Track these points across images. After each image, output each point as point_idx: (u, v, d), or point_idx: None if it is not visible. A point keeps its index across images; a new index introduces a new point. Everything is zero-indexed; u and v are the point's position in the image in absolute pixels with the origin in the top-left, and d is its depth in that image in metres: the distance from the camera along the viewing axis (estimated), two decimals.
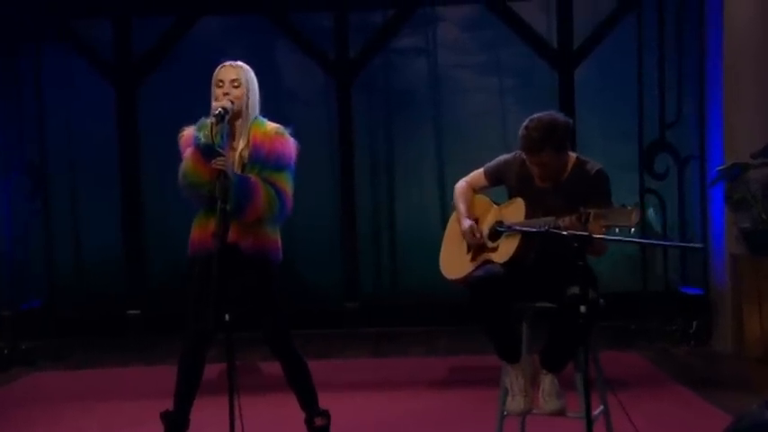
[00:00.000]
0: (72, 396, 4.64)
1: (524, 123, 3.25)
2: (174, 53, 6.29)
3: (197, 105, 6.27)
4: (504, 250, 3.30)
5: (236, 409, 2.91)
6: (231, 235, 3.02)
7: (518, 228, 3.17)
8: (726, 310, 5.10)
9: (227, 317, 2.95)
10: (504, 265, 3.28)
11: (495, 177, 3.53)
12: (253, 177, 3.12)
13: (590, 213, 2.97)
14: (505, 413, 3.29)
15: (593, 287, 3.06)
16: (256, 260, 3.14)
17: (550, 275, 3.24)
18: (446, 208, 6.29)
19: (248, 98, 3.18)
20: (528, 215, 3.30)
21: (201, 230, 3.20)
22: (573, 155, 3.37)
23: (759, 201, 4.87)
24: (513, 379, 3.25)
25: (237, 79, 3.17)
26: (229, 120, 3.12)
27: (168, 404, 3.36)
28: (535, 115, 3.25)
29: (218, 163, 3.02)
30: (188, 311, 3.23)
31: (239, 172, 3.14)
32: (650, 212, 5.61)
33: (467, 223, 3.40)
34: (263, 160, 3.13)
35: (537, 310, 3.32)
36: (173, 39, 6.30)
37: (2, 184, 5.96)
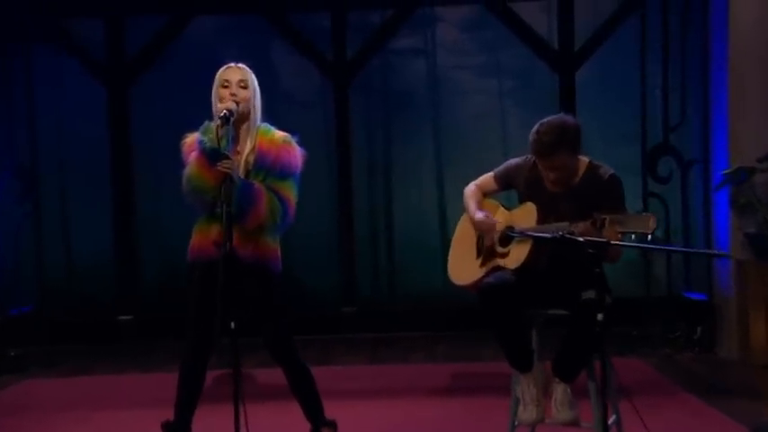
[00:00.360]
0: (65, 404, 4.54)
1: (534, 129, 3.21)
2: (168, 53, 6.22)
3: (190, 106, 6.18)
4: (516, 256, 3.24)
5: (242, 417, 2.84)
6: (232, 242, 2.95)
7: (531, 233, 3.10)
8: (730, 316, 5.07)
9: (232, 324, 2.89)
10: (516, 271, 3.22)
11: (504, 182, 3.47)
12: (257, 184, 3.05)
13: (605, 219, 2.92)
14: (517, 423, 3.24)
15: (608, 294, 3.00)
16: (256, 269, 3.09)
17: (563, 282, 3.18)
18: (445, 211, 6.27)
19: (255, 101, 3.11)
20: (539, 220, 3.24)
21: (202, 236, 3.14)
22: (585, 159, 3.32)
23: (765, 205, 4.84)
24: (525, 388, 3.19)
25: (245, 80, 3.11)
26: (234, 123, 3.04)
27: (167, 413, 3.29)
28: (544, 119, 3.21)
29: (224, 165, 2.95)
30: (188, 318, 3.15)
31: (243, 177, 3.06)
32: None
33: (480, 213, 3.33)
34: (268, 168, 3.08)
35: (548, 317, 3.27)
36: (166, 38, 6.23)
37: None
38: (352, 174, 6.16)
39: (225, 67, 3.17)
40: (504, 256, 3.30)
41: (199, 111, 6.57)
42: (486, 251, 3.39)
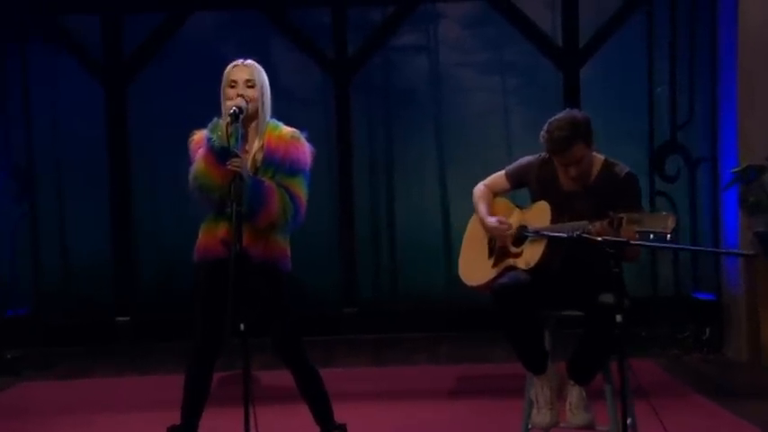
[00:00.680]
0: (64, 408, 4.48)
1: (544, 128, 3.18)
2: (166, 50, 6.14)
3: (189, 104, 6.20)
4: (529, 256, 3.20)
5: (252, 419, 2.80)
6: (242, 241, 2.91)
7: (547, 233, 3.05)
8: (740, 317, 5.03)
9: (242, 326, 2.84)
10: (530, 271, 3.17)
11: (516, 180, 3.42)
12: (267, 181, 3.00)
13: (623, 218, 2.88)
14: (530, 426, 3.19)
15: (626, 296, 2.96)
16: (265, 269, 3.04)
17: (578, 282, 3.14)
18: (448, 209, 6.22)
19: (263, 99, 3.06)
20: (553, 219, 3.20)
21: (209, 236, 3.09)
22: (600, 156, 3.28)
23: None
24: (539, 390, 3.14)
25: (252, 79, 3.06)
26: (242, 121, 2.99)
27: (168, 416, 3.25)
28: (552, 117, 3.17)
29: (233, 164, 2.90)
30: (195, 319, 3.10)
31: (252, 175, 3.01)
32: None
33: (493, 219, 3.28)
34: (276, 164, 3.03)
35: (560, 318, 3.23)
36: (164, 35, 6.15)
37: None
38: (352, 172, 6.11)
39: (232, 65, 3.12)
40: (517, 255, 3.26)
41: (198, 109, 6.48)
42: (498, 251, 3.34)
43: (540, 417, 3.13)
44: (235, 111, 2.94)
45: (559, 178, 3.24)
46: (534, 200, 3.36)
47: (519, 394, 4.14)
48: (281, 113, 3.25)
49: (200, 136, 3.09)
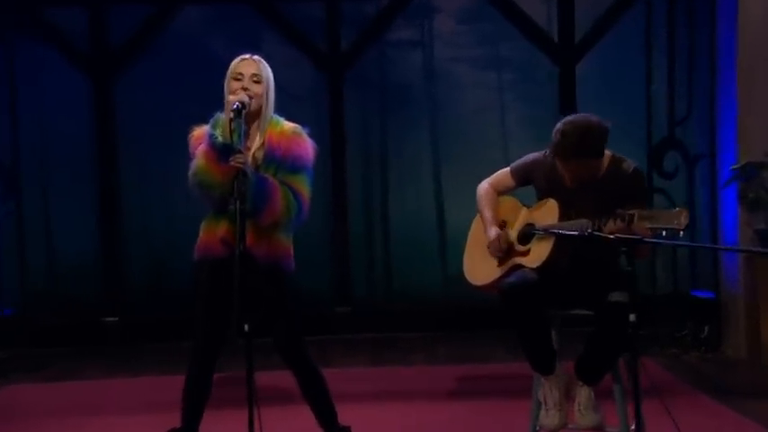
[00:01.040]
0: (53, 411, 4.40)
1: (559, 127, 3.12)
2: (155, 44, 6.07)
3: (179, 98, 6.14)
4: (537, 254, 3.17)
5: (257, 422, 2.77)
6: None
7: (556, 230, 3.02)
8: (738, 315, 5.04)
9: (246, 327, 2.79)
10: (537, 270, 3.14)
11: (522, 177, 3.39)
12: (271, 178, 2.95)
13: (634, 214, 2.86)
14: (538, 428, 3.17)
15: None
16: (268, 268, 3.00)
17: (586, 281, 3.12)
18: (443, 206, 6.19)
19: (268, 96, 3.01)
20: (561, 217, 3.17)
21: (210, 234, 3.04)
22: (608, 152, 3.25)
23: None
24: (548, 391, 3.12)
25: (258, 74, 3.01)
26: (245, 117, 2.94)
27: (164, 418, 3.22)
28: (569, 118, 3.13)
29: (237, 160, 2.85)
30: (196, 319, 3.05)
31: (253, 170, 2.96)
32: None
33: (493, 232, 3.26)
34: (278, 161, 2.99)
35: (566, 317, 3.21)
36: (152, 28, 6.08)
37: None
38: (346, 169, 6.06)
39: (239, 58, 3.07)
40: (524, 254, 3.23)
41: (188, 103, 6.46)
42: (504, 250, 3.31)
43: (549, 418, 3.10)
44: (237, 106, 2.89)
45: (565, 175, 3.21)
46: (540, 197, 3.34)
47: (521, 395, 4.14)
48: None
49: (200, 132, 3.03)
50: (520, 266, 3.22)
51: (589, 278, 3.11)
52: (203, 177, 2.93)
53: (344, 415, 3.24)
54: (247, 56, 3.07)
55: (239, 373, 4.22)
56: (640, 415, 2.73)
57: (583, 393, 3.08)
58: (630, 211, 2.87)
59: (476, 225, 3.52)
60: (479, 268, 3.37)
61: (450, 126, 6.12)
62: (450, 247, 6.11)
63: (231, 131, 2.85)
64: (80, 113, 6.08)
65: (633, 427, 3.01)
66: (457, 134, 6.10)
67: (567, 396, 3.14)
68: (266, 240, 2.97)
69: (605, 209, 3.02)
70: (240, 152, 2.87)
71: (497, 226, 3.30)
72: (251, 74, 3.01)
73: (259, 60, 3.06)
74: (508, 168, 3.46)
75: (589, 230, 2.89)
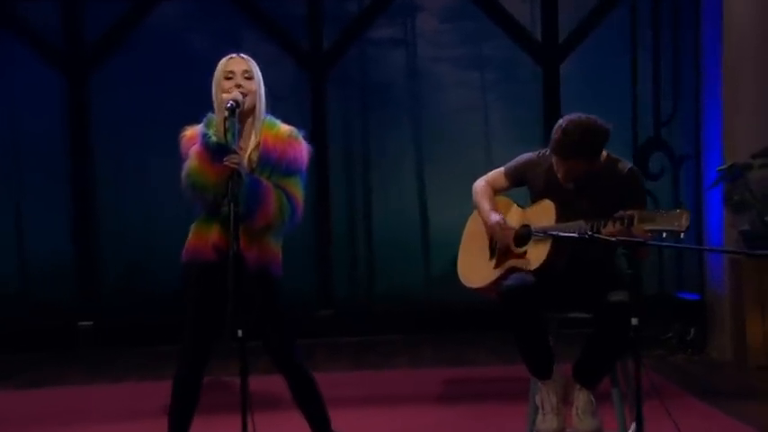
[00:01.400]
0: (27, 420, 4.27)
1: (561, 124, 3.10)
2: (131, 39, 5.97)
3: (156, 95, 6.04)
4: (534, 256, 3.15)
5: (250, 428, 2.74)
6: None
7: (556, 232, 3.00)
8: (724, 316, 5.07)
9: (239, 332, 2.74)
10: (535, 272, 3.12)
11: (516, 178, 3.37)
12: (264, 180, 2.90)
13: (634, 216, 2.84)
14: None
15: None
16: (258, 273, 2.94)
17: (584, 283, 3.10)
18: (426, 207, 6.16)
19: (260, 93, 2.96)
20: (557, 218, 3.15)
21: (200, 238, 2.97)
22: (603, 153, 3.24)
23: (760, 202, 4.85)
24: (545, 396, 3.10)
25: (249, 71, 2.96)
26: (239, 116, 2.88)
27: (148, 426, 3.15)
28: (574, 116, 3.11)
29: (232, 161, 2.78)
30: (185, 323, 2.99)
31: (247, 171, 2.91)
32: None
33: (494, 217, 3.23)
34: (273, 164, 2.93)
35: (562, 319, 3.19)
36: (129, 23, 5.98)
37: None
38: (328, 168, 6.01)
39: (227, 57, 3.01)
40: (520, 256, 3.21)
41: (165, 101, 6.35)
42: (500, 251, 3.28)
43: (547, 423, 3.08)
44: (231, 105, 2.83)
45: (559, 173, 3.19)
46: (535, 198, 3.32)
47: (512, 398, 4.13)
48: None
49: (192, 132, 2.96)
50: (516, 269, 3.19)
51: (586, 280, 3.09)
52: (197, 178, 2.86)
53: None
54: (235, 54, 3.02)
55: (227, 377, 4.19)
56: (641, 419, 2.71)
57: (581, 397, 3.06)
58: (630, 213, 2.85)
59: (470, 223, 3.49)
60: (475, 270, 3.34)
61: (432, 125, 6.10)
62: (432, 248, 6.10)
63: (225, 131, 2.79)
64: (53, 111, 5.97)
65: (630, 430, 2.99)
66: (440, 134, 6.09)
67: (565, 400, 3.12)
68: (256, 244, 2.92)
69: (602, 210, 3.01)
70: (235, 152, 2.81)
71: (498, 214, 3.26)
72: (242, 70, 2.96)
73: (248, 58, 3.01)
74: (502, 169, 3.44)
75: (590, 232, 2.87)
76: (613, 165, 3.22)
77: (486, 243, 3.35)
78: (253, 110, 2.96)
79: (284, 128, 3.01)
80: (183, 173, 2.90)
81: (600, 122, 3.13)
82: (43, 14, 5.93)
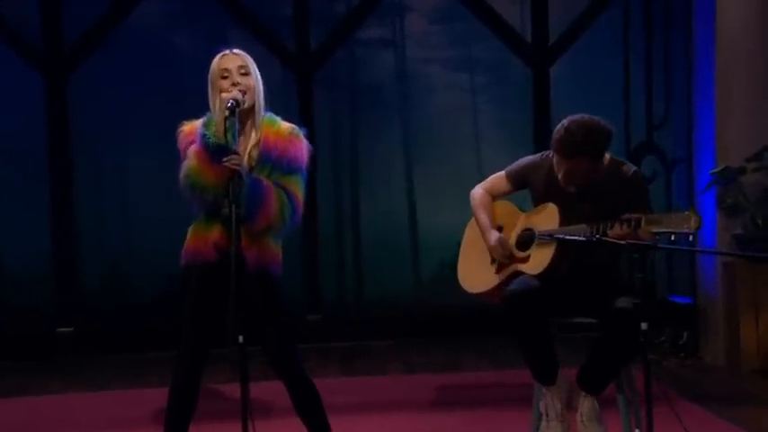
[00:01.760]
0: (7, 431, 4.17)
1: (564, 123, 3.09)
2: (112, 38, 5.88)
3: (137, 96, 5.95)
4: (538, 260, 3.13)
5: None
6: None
7: (562, 236, 2.98)
8: (716, 320, 5.10)
9: (240, 338, 2.69)
10: (539, 276, 3.10)
11: (519, 181, 3.36)
12: (265, 180, 2.86)
13: (641, 219, 2.84)
14: None
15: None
16: (258, 274, 2.90)
17: (589, 287, 3.09)
18: (415, 210, 6.14)
19: (258, 88, 2.91)
20: (561, 222, 3.14)
21: (200, 239, 2.92)
22: (606, 155, 3.23)
23: (753, 205, 4.88)
24: (549, 402, 3.08)
25: (245, 66, 2.92)
26: (239, 114, 2.83)
27: None
28: (577, 116, 3.11)
29: (232, 162, 2.74)
30: (183, 326, 2.94)
31: (248, 172, 2.86)
32: None
33: (494, 236, 3.21)
34: (274, 162, 2.89)
35: (563, 324, 3.18)
36: (110, 22, 5.89)
37: None
38: (316, 171, 5.91)
39: (220, 55, 2.97)
40: (523, 260, 3.19)
41: (147, 101, 6.25)
42: (507, 254, 3.26)
43: (551, 430, 3.06)
44: (232, 104, 2.79)
45: (560, 174, 3.18)
46: (537, 201, 3.31)
47: (509, 404, 4.13)
48: None
49: (190, 127, 2.91)
50: (519, 273, 3.17)
51: (591, 284, 3.08)
52: (196, 179, 2.81)
53: None
54: (228, 51, 2.98)
55: (222, 383, 4.12)
56: (652, 425, 2.70)
57: (585, 404, 3.04)
58: (637, 216, 2.84)
59: (469, 230, 3.47)
60: (476, 275, 3.32)
61: (421, 127, 6.08)
62: (421, 252, 6.08)
63: (225, 131, 2.74)
64: (31, 111, 5.85)
65: None
66: (429, 136, 6.08)
67: (569, 406, 3.10)
68: (256, 245, 2.87)
69: (606, 213, 3.01)
70: (236, 153, 2.77)
71: (495, 230, 3.25)
72: (237, 66, 2.92)
73: (242, 53, 2.98)
74: (503, 172, 3.42)
75: (597, 236, 2.86)
76: (617, 167, 3.22)
77: (487, 248, 3.32)
78: (252, 107, 2.91)
79: (285, 125, 2.97)
80: (182, 173, 2.85)
81: (603, 123, 3.14)
82: (22, 13, 5.82)
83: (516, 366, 4.94)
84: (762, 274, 4.78)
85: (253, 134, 2.92)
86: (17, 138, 5.83)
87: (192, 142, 2.86)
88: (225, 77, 2.90)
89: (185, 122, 2.96)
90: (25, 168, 5.87)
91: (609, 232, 2.90)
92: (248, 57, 2.98)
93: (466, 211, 5.85)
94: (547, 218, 3.17)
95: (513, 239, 3.25)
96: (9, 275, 5.86)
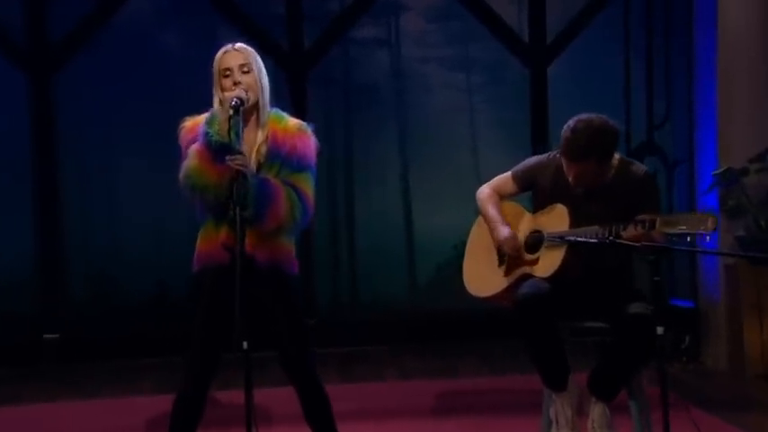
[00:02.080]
0: None
1: (570, 124, 3.07)
2: (98, 36, 5.79)
3: (124, 96, 5.87)
4: (548, 263, 3.10)
5: None
6: (246, 246, 2.75)
7: (573, 238, 2.95)
8: (719, 324, 5.09)
9: (245, 344, 2.64)
10: (549, 279, 3.07)
11: (525, 182, 3.33)
12: (273, 179, 2.81)
13: (656, 220, 2.82)
14: None
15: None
16: (271, 274, 2.85)
17: (600, 291, 3.06)
18: (410, 213, 6.10)
19: (262, 84, 2.86)
20: (571, 223, 3.11)
21: (210, 241, 2.88)
22: (616, 156, 3.21)
23: (756, 207, 4.88)
24: (560, 408, 3.05)
25: (247, 64, 2.88)
26: (243, 112, 2.78)
27: None
28: (583, 116, 3.08)
29: (236, 162, 2.69)
30: (194, 332, 2.89)
31: (255, 173, 2.82)
32: None
33: (505, 231, 3.17)
34: (282, 159, 2.86)
35: (575, 329, 3.15)
36: (96, 20, 5.81)
37: None
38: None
39: (222, 51, 2.92)
40: (532, 263, 3.16)
41: (133, 101, 6.17)
42: (510, 258, 3.23)
43: None
44: (236, 103, 2.75)
45: (570, 176, 3.15)
46: (543, 203, 3.28)
47: (510, 410, 4.10)
48: None
49: (192, 123, 2.87)
50: (528, 276, 3.14)
51: (603, 288, 3.06)
52: (196, 180, 2.77)
53: None
54: (229, 46, 2.94)
55: (228, 390, 4.06)
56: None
57: (596, 410, 3.02)
58: (652, 217, 2.82)
59: (475, 232, 3.44)
60: (483, 278, 3.28)
61: (417, 128, 6.04)
62: (417, 255, 6.05)
63: (229, 129, 2.69)
64: (15, 111, 5.75)
65: None
66: (425, 137, 6.03)
67: (580, 412, 3.07)
68: (269, 245, 2.83)
69: (616, 214, 2.99)
70: (240, 153, 2.71)
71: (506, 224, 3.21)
72: (239, 64, 2.88)
73: (244, 48, 2.93)
74: (509, 173, 3.40)
75: (611, 238, 2.83)
76: (627, 168, 3.20)
77: (494, 250, 3.29)
78: (256, 104, 2.87)
79: (293, 121, 2.94)
80: (182, 172, 2.81)
81: (610, 122, 3.12)
82: (4, 11, 5.73)
83: (515, 372, 4.96)
84: (765, 277, 4.78)
85: (259, 132, 2.87)
86: (1, 139, 5.75)
87: (193, 140, 2.81)
88: (227, 76, 2.85)
89: (187, 119, 2.91)
90: (9, 170, 5.76)
91: (622, 234, 2.87)
92: (251, 52, 2.94)
93: (462, 212, 5.82)
94: (556, 219, 3.14)
95: (521, 242, 3.22)
96: None
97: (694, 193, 5.37)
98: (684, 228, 2.72)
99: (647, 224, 2.82)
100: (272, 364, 3.05)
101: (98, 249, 5.91)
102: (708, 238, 2.70)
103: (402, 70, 6.06)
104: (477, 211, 3.41)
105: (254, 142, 2.85)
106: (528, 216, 3.29)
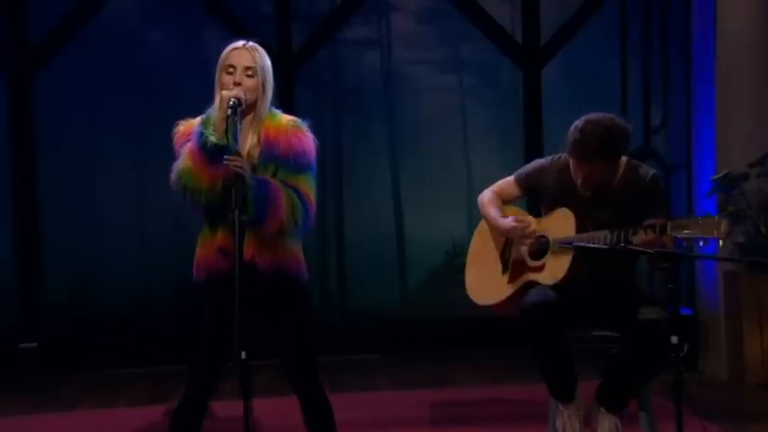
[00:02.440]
0: None
1: (578, 124, 3.01)
2: (81, 35, 5.71)
3: (108, 97, 5.77)
4: (553, 270, 3.04)
5: None
6: (246, 251, 2.67)
7: (583, 243, 2.89)
8: (718, 332, 5.05)
9: (243, 354, 2.56)
10: (555, 287, 3.01)
11: (529, 185, 3.28)
12: (272, 181, 2.72)
13: (667, 224, 2.77)
14: None
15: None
16: (276, 281, 2.76)
17: (608, 299, 3.01)
18: (402, 219, 6.05)
19: (264, 90, 2.79)
20: (578, 228, 3.05)
21: (207, 247, 2.80)
22: (623, 158, 3.16)
23: (756, 213, 4.85)
24: (566, 420, 3.00)
25: (253, 67, 2.80)
26: (239, 113, 2.70)
27: None
28: (591, 116, 3.03)
29: (234, 163, 2.60)
30: (196, 346, 2.82)
31: (252, 173, 2.73)
32: None
33: (508, 219, 3.11)
34: (278, 159, 2.77)
35: (580, 337, 3.09)
36: (78, 18, 5.73)
37: None
38: None
39: (231, 47, 2.83)
40: (538, 270, 3.09)
41: (116, 104, 6.07)
42: (514, 265, 3.17)
43: None
44: (234, 103, 2.67)
45: (578, 179, 3.10)
46: (547, 207, 3.22)
47: (506, 421, 4.03)
48: None
49: (186, 127, 2.78)
50: (534, 283, 3.08)
51: (611, 295, 3.00)
52: (188, 181, 2.68)
53: None
54: (240, 44, 2.84)
55: (226, 400, 3.97)
56: None
57: (606, 423, 2.96)
58: (662, 221, 2.77)
59: (476, 240, 3.38)
60: (486, 286, 3.22)
61: (408, 131, 6.01)
62: (408, 263, 5.99)
63: (226, 131, 2.61)
64: None
65: None
66: (416, 140, 6.00)
67: (588, 424, 3.01)
68: (271, 250, 2.74)
69: (624, 219, 2.94)
70: (238, 154, 2.63)
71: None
72: (243, 66, 2.79)
73: (253, 48, 2.83)
74: (512, 176, 3.34)
75: (622, 243, 2.78)
76: (634, 170, 3.15)
77: (497, 256, 3.23)
78: (253, 106, 2.79)
79: (286, 118, 2.86)
80: (174, 173, 2.72)
81: (619, 121, 3.07)
82: None
83: (512, 381, 4.91)
84: (765, 284, 4.75)
85: (251, 134, 2.80)
86: None
87: (187, 143, 2.72)
88: (230, 73, 2.77)
89: (181, 122, 2.83)
90: None
91: (633, 239, 2.81)
92: (260, 55, 2.84)
93: (454, 216, 5.81)
94: (561, 224, 3.08)
95: (524, 248, 3.15)
96: None
97: (692, 198, 5.35)
98: (697, 232, 2.67)
99: (657, 229, 2.77)
100: (272, 373, 2.97)
101: (78, 257, 5.84)
102: (721, 243, 2.65)
103: (392, 72, 6.02)
104: (470, 217, 3.36)
105: (246, 143, 2.77)
106: (532, 220, 3.23)
